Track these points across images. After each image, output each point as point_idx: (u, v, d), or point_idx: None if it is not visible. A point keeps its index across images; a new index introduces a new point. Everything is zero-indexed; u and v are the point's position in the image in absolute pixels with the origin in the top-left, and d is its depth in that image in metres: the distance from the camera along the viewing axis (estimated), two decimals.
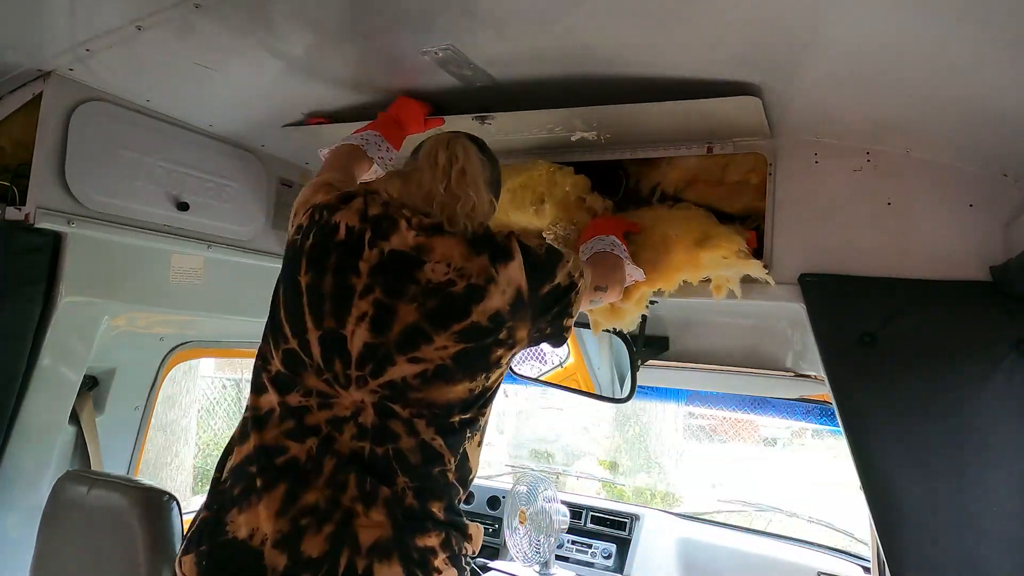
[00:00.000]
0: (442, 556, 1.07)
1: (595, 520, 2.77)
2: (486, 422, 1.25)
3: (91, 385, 2.10)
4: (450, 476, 1.14)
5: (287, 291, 1.18)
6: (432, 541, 1.07)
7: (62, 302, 1.69)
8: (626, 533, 2.70)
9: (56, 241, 1.68)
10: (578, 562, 2.69)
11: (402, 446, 1.09)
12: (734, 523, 2.91)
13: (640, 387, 1.88)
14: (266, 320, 1.22)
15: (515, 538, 2.51)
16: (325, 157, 1.53)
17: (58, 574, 1.58)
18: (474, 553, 1.19)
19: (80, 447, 2.06)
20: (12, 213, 1.62)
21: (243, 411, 1.18)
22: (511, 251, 1.20)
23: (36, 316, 1.68)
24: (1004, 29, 1.04)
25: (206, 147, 1.99)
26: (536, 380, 2.27)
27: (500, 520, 2.73)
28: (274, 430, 1.10)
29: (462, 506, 1.18)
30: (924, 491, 1.35)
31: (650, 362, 2.01)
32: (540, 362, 2.25)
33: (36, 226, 1.62)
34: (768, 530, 2.93)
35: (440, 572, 1.05)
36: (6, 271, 1.61)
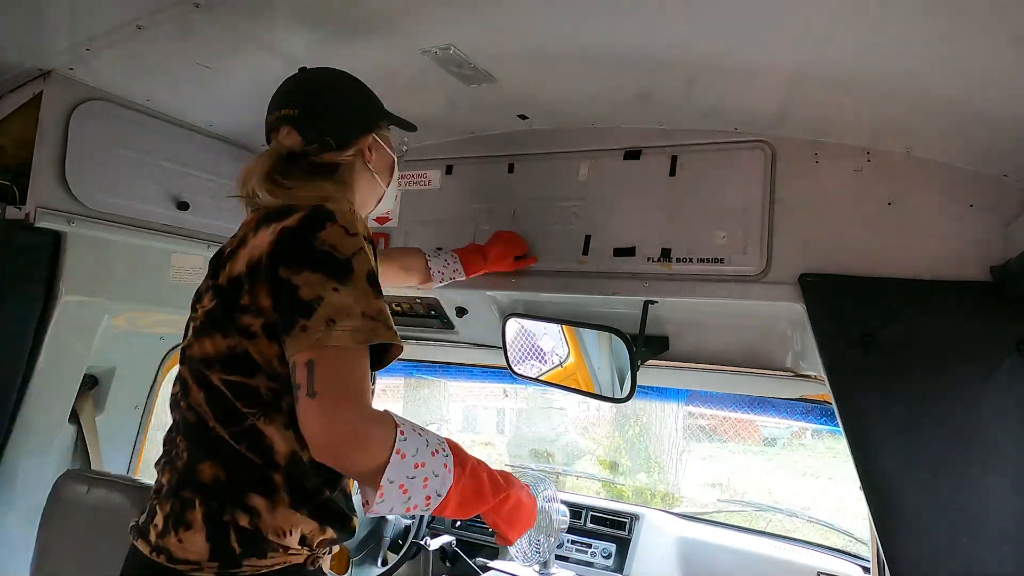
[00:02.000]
0: (200, 510, 1.09)
1: (595, 520, 2.77)
2: (292, 412, 1.07)
3: (91, 385, 2.10)
4: (234, 452, 1.10)
5: None
6: (194, 495, 1.09)
7: (62, 301, 1.69)
8: (626, 533, 2.70)
9: (56, 240, 1.68)
10: (578, 562, 2.68)
11: (182, 409, 1.16)
12: (734, 523, 2.90)
13: (640, 387, 1.88)
14: None
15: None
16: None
17: (58, 574, 1.58)
18: (288, 541, 1.14)
19: (80, 447, 2.06)
20: (12, 212, 1.63)
21: None
22: (286, 217, 1.10)
23: (36, 316, 1.68)
24: (1004, 29, 1.03)
25: (206, 147, 1.99)
26: (536, 380, 2.27)
27: None
28: None
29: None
30: (924, 491, 1.35)
31: (650, 362, 2.01)
32: (540, 362, 2.25)
33: (36, 225, 1.62)
34: (768, 530, 2.93)
35: (190, 526, 1.08)
36: (6, 271, 1.61)
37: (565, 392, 2.13)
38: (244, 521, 1.07)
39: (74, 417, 2.00)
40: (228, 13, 1.37)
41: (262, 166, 1.22)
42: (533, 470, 2.95)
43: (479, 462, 1.18)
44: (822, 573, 2.44)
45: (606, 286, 1.77)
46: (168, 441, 1.20)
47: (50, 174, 1.63)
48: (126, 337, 2.06)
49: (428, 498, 1.08)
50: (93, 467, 2.04)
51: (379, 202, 1.43)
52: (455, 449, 1.15)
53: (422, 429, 1.11)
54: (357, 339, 1.03)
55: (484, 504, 1.18)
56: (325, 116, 1.28)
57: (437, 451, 1.10)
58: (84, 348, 1.83)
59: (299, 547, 1.11)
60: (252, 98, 1.80)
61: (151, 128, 1.84)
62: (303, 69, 1.35)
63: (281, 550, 1.09)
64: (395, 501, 1.04)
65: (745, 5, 1.16)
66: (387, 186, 1.40)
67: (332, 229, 1.08)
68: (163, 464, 1.18)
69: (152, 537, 1.09)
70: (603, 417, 7.73)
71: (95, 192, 1.71)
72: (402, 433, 1.05)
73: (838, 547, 2.64)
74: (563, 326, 2.05)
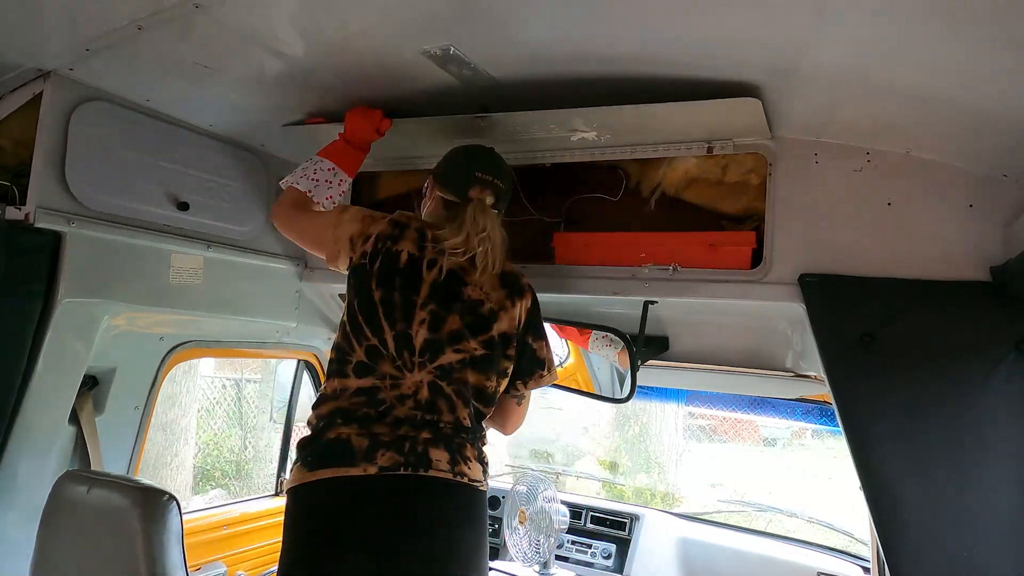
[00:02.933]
0: (472, 450, 1.54)
1: (595, 520, 2.77)
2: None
3: (91, 385, 2.09)
4: (472, 427, 1.57)
5: (362, 304, 1.53)
6: (463, 441, 1.53)
7: (62, 302, 1.69)
8: (626, 533, 2.70)
9: (56, 241, 1.68)
10: (578, 562, 2.69)
11: (440, 406, 1.51)
12: (734, 523, 2.91)
13: (640, 387, 1.88)
14: (342, 324, 1.58)
15: (515, 538, 2.51)
16: (284, 187, 1.80)
17: (58, 574, 1.58)
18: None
19: (80, 447, 2.06)
20: (12, 213, 1.62)
21: (320, 389, 1.57)
22: (523, 293, 1.61)
23: (36, 316, 1.68)
24: (1003, 30, 1.04)
25: (206, 147, 1.99)
26: None
27: (500, 520, 2.73)
28: (346, 401, 1.51)
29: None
30: (924, 491, 1.35)
31: (650, 362, 2.01)
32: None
33: (36, 226, 1.62)
34: (768, 530, 2.94)
35: (468, 461, 1.51)
36: (6, 271, 1.61)
37: (565, 392, 2.13)
38: (485, 457, 1.58)
39: (74, 417, 2.00)
40: (228, 13, 1.37)
41: (501, 233, 1.62)
42: (533, 470, 2.95)
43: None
44: (822, 573, 2.44)
45: (606, 286, 1.77)
46: (420, 406, 1.50)
47: (50, 174, 1.63)
48: (126, 337, 2.05)
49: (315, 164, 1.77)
50: (93, 467, 2.04)
51: None
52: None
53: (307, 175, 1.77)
54: (556, 374, 1.73)
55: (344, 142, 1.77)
56: (507, 194, 1.70)
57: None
58: (84, 348, 1.83)
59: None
60: (252, 98, 1.81)
61: (151, 128, 1.84)
62: (493, 150, 1.70)
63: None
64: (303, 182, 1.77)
65: (745, 5, 1.16)
66: None
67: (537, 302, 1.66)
68: (411, 421, 1.49)
69: (444, 466, 1.47)
70: (603, 417, 7.73)
71: (95, 192, 1.71)
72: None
73: (838, 547, 2.64)
74: (563, 326, 2.06)
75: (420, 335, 1.51)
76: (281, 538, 1.48)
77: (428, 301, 1.52)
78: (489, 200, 1.62)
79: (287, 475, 1.77)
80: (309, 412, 1.57)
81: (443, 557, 1.45)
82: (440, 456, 1.48)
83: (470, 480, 1.51)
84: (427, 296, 1.52)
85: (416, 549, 1.43)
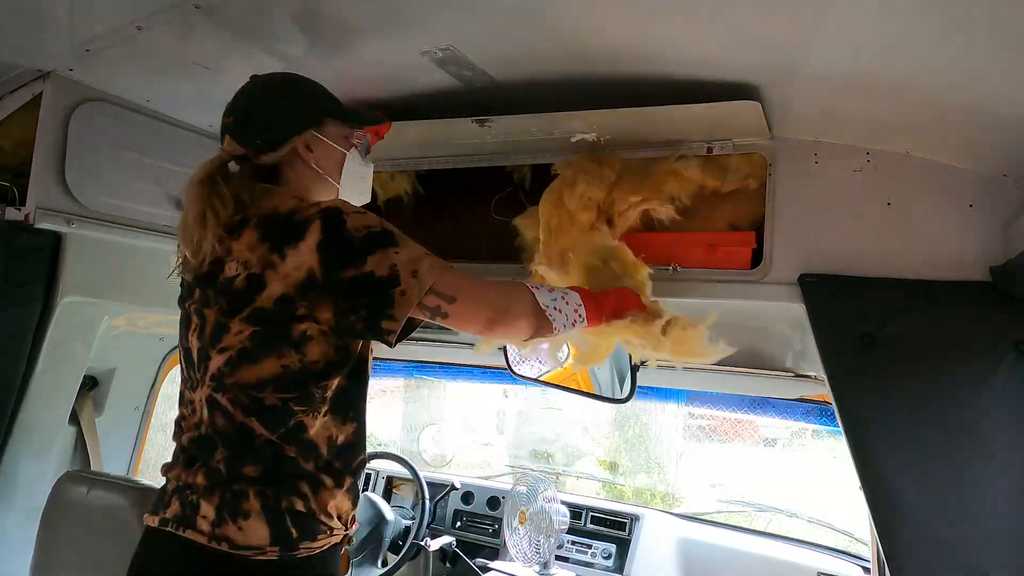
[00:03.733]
0: (255, 502, 1.16)
1: (595, 520, 2.77)
2: (336, 395, 1.26)
3: (91, 385, 2.10)
4: (279, 449, 1.20)
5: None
6: (247, 487, 1.17)
7: (62, 302, 1.69)
8: (626, 533, 2.70)
9: (56, 241, 1.68)
10: (578, 562, 2.68)
11: (220, 426, 1.21)
12: (734, 523, 2.91)
13: (640, 387, 1.88)
14: None
15: (515, 538, 2.51)
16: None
17: (58, 574, 1.58)
18: (332, 523, 1.24)
19: (80, 447, 2.06)
20: (12, 213, 1.63)
21: None
22: (305, 231, 1.18)
23: (36, 316, 1.68)
24: (1003, 30, 1.04)
25: (206, 148, 1.99)
26: (536, 380, 2.27)
27: (500, 520, 2.73)
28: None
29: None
30: (924, 491, 1.35)
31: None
32: (540, 362, 2.25)
33: (36, 226, 1.62)
34: (768, 530, 2.93)
35: (248, 515, 1.15)
36: (6, 271, 1.61)
37: (565, 393, 2.13)
38: (299, 506, 1.18)
39: (74, 418, 2.00)
40: (228, 14, 1.37)
41: (200, 173, 1.26)
42: (533, 470, 2.95)
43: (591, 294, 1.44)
44: (822, 573, 2.44)
45: None
46: (195, 443, 1.24)
47: (50, 175, 1.63)
48: (126, 338, 2.06)
49: (576, 310, 1.36)
50: (93, 468, 2.04)
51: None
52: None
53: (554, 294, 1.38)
54: (442, 266, 1.23)
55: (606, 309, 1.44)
56: (252, 119, 1.35)
57: (554, 289, 1.40)
58: (84, 349, 1.83)
59: (340, 525, 1.25)
60: None
61: (151, 129, 1.84)
62: (253, 77, 1.40)
63: (327, 530, 1.22)
64: (560, 318, 1.33)
65: (745, 5, 1.16)
66: (338, 182, 1.42)
67: (351, 217, 1.20)
68: (189, 465, 1.23)
69: (205, 527, 1.15)
70: (603, 417, 7.72)
71: (95, 193, 1.71)
72: (531, 286, 1.34)
73: (838, 547, 2.64)
74: None
75: (195, 345, 1.26)
76: None
77: (194, 303, 1.28)
78: (231, 148, 1.33)
79: None
80: None
81: None
82: (208, 510, 1.16)
83: (234, 548, 1.13)
84: (196, 297, 1.28)
85: None
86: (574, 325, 1.37)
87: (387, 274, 1.17)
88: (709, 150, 1.68)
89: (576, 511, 2.74)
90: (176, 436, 1.30)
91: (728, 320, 1.90)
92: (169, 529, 1.18)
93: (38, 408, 1.75)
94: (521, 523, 2.49)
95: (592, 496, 3.85)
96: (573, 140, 1.75)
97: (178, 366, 1.33)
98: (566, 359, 2.18)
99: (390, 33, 1.41)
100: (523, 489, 2.56)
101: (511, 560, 2.55)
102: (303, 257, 1.16)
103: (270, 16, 1.39)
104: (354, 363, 1.28)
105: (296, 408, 1.20)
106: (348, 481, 1.28)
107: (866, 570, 2.44)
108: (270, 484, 1.17)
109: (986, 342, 1.37)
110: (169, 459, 1.31)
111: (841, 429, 1.45)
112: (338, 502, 1.24)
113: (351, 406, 1.30)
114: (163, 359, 2.27)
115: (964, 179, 1.47)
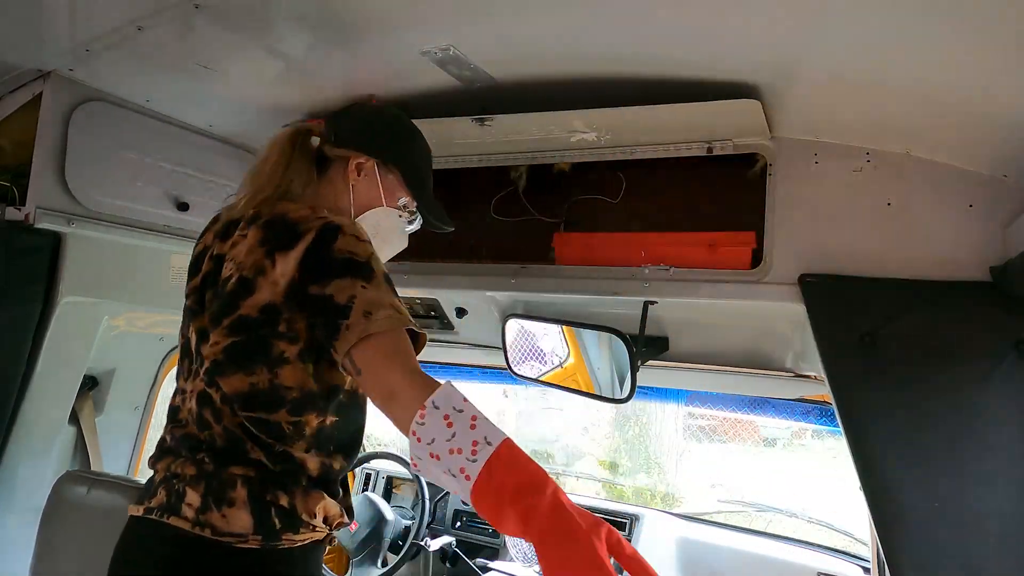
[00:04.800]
0: (241, 491, 1.15)
1: None
2: (314, 435, 1.21)
3: (91, 385, 2.10)
4: (267, 455, 1.19)
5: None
6: (235, 477, 1.16)
7: (62, 302, 1.69)
8: (626, 533, 2.70)
9: (56, 241, 1.68)
10: None
11: (210, 427, 1.20)
12: (734, 523, 2.91)
13: (640, 387, 1.88)
14: None
15: (515, 538, 2.51)
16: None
17: (58, 574, 1.58)
18: (315, 522, 1.22)
19: (80, 447, 2.06)
20: (12, 213, 1.63)
21: None
22: (299, 240, 1.16)
23: (36, 316, 1.68)
24: (1004, 30, 1.04)
25: (206, 147, 1.99)
26: (536, 380, 2.27)
27: None
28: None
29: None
30: (924, 491, 1.35)
31: (650, 362, 2.01)
32: (540, 362, 2.25)
33: (36, 226, 1.62)
34: (768, 530, 2.93)
35: (233, 503, 1.14)
36: (6, 271, 1.61)
37: (565, 392, 2.13)
38: (284, 501, 1.17)
39: (74, 418, 2.00)
40: (228, 13, 1.37)
41: (290, 129, 1.37)
42: None
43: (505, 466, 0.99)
44: (822, 573, 2.44)
45: (606, 286, 1.77)
46: (186, 437, 1.22)
47: (50, 175, 1.63)
48: (126, 338, 2.06)
49: (475, 443, 0.98)
50: (93, 468, 2.04)
51: None
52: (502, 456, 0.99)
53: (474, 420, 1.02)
54: (393, 323, 1.11)
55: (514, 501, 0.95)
56: (351, 117, 1.48)
57: (475, 426, 1.01)
58: (84, 349, 1.83)
59: (323, 525, 1.24)
60: (252, 99, 1.81)
61: (151, 129, 1.84)
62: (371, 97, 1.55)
63: (310, 528, 1.21)
64: (425, 459, 1.00)
65: (745, 5, 1.16)
66: (356, 215, 1.40)
67: (344, 239, 1.17)
68: (179, 455, 1.22)
69: (189, 514, 1.14)
70: (603, 417, 7.72)
71: (95, 193, 1.71)
72: (435, 400, 1.02)
73: (838, 547, 2.64)
74: (563, 327, 2.05)
75: (193, 340, 1.27)
76: None
77: (194, 300, 1.29)
78: (318, 124, 1.39)
79: None
80: None
81: None
82: (193, 498, 1.15)
83: (216, 534, 1.12)
84: (195, 294, 1.29)
85: None
86: (448, 476, 1.01)
87: (343, 303, 1.11)
88: (709, 150, 1.69)
89: None
90: (168, 425, 1.29)
91: (728, 320, 1.90)
92: (153, 517, 1.18)
93: (38, 408, 1.75)
94: None
95: (592, 496, 3.85)
96: (573, 140, 1.75)
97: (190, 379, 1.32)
98: (566, 359, 2.18)
99: (390, 33, 1.41)
100: None
101: (511, 560, 2.55)
102: (288, 265, 1.16)
103: (270, 16, 1.39)
104: (342, 397, 1.25)
105: (270, 440, 1.18)
106: (337, 488, 1.28)
107: (866, 570, 2.44)
108: (258, 478, 1.17)
109: (986, 342, 1.37)
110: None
111: (841, 429, 1.45)
112: (326, 504, 1.24)
113: (336, 441, 1.27)
114: (163, 359, 2.27)
115: (964, 179, 1.47)
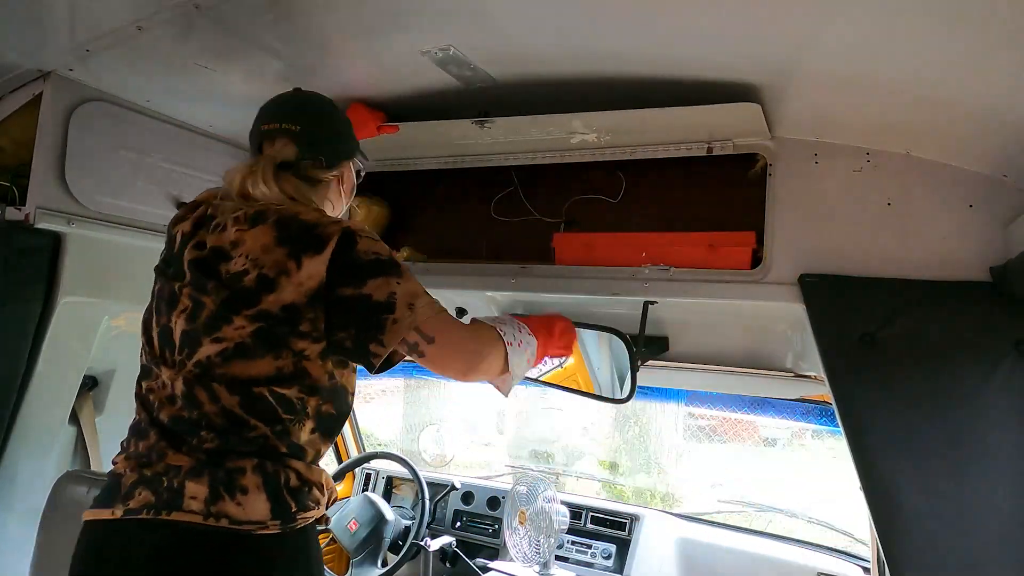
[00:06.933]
0: (253, 477, 1.17)
1: (595, 520, 2.77)
2: (317, 412, 1.28)
3: (91, 385, 2.10)
4: (270, 431, 1.22)
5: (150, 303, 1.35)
6: (243, 463, 1.18)
7: (62, 302, 1.69)
8: (626, 533, 2.70)
9: (56, 241, 1.68)
10: (578, 562, 2.68)
11: (207, 411, 1.20)
12: (734, 523, 2.91)
13: (640, 387, 1.88)
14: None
15: (515, 538, 2.51)
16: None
17: (58, 574, 1.58)
18: (321, 497, 1.28)
19: (80, 447, 2.06)
20: (12, 213, 1.63)
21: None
22: (325, 244, 1.22)
23: (36, 316, 1.68)
24: (1004, 30, 1.04)
25: (206, 147, 1.99)
26: (536, 380, 2.27)
27: (500, 520, 2.73)
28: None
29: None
30: (924, 491, 1.35)
31: (650, 362, 2.01)
32: (540, 362, 2.25)
33: (36, 226, 1.62)
34: (768, 530, 2.93)
35: (246, 490, 1.16)
36: (6, 271, 1.61)
37: (565, 393, 2.13)
38: (293, 481, 1.22)
39: (74, 418, 2.00)
40: (228, 14, 1.37)
41: (265, 167, 1.32)
42: (533, 471, 2.95)
43: (529, 323, 1.54)
44: (822, 573, 2.44)
45: (606, 286, 1.77)
46: (178, 425, 1.22)
47: (50, 175, 1.63)
48: (126, 338, 2.05)
49: (528, 360, 1.48)
50: (93, 468, 2.04)
51: None
52: (525, 322, 1.53)
53: (505, 320, 1.49)
54: (436, 308, 1.28)
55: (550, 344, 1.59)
56: (322, 137, 1.42)
57: (520, 329, 1.48)
58: (84, 349, 1.83)
59: (324, 499, 1.29)
60: (252, 99, 1.80)
61: (151, 129, 1.84)
62: (298, 89, 1.48)
63: (316, 504, 1.26)
64: (519, 369, 1.45)
65: (745, 5, 1.16)
66: (345, 206, 1.55)
67: (364, 240, 1.25)
68: (168, 449, 1.21)
69: (197, 507, 1.14)
70: (603, 417, 7.72)
71: (95, 193, 1.71)
72: (503, 332, 1.42)
73: (838, 547, 2.64)
74: None
75: (179, 327, 1.24)
76: None
77: (186, 285, 1.26)
78: (287, 151, 1.35)
79: None
80: None
81: None
82: (197, 490, 1.15)
83: (235, 524, 1.13)
84: (189, 280, 1.26)
85: None
86: (529, 364, 1.51)
87: (384, 300, 1.22)
88: (709, 150, 1.69)
89: (576, 511, 2.75)
90: (143, 414, 1.27)
91: (728, 320, 1.91)
92: (141, 516, 1.14)
93: (38, 408, 1.75)
94: (521, 523, 2.50)
95: (592, 496, 3.85)
96: (573, 141, 1.75)
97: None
98: (566, 359, 2.18)
99: (390, 33, 1.41)
100: (523, 489, 2.56)
101: (511, 560, 2.55)
102: (317, 267, 1.21)
103: (270, 16, 1.39)
104: (338, 391, 1.33)
105: (285, 416, 1.23)
106: (324, 455, 1.36)
107: (866, 570, 2.44)
108: (265, 461, 1.20)
109: (986, 342, 1.37)
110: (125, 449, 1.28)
111: (841, 429, 1.45)
112: (326, 478, 1.31)
113: (327, 426, 1.33)
114: None
115: (964, 179, 1.47)
